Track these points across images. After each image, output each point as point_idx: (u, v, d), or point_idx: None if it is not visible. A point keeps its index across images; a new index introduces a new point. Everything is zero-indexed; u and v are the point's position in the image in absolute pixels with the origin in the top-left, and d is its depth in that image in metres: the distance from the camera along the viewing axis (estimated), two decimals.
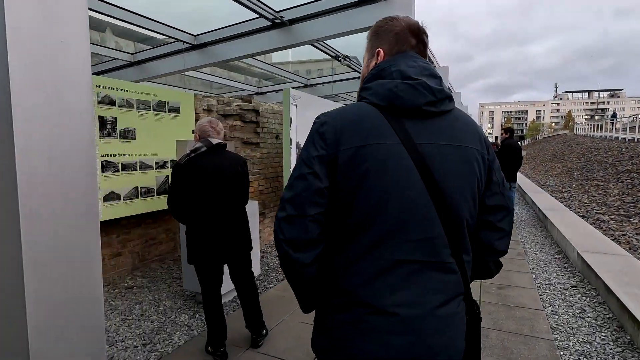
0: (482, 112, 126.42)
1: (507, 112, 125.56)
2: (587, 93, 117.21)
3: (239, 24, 4.14)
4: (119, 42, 5.86)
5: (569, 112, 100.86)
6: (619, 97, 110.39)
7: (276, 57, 8.41)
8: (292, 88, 4.48)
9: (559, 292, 3.46)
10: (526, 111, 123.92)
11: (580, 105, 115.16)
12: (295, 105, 4.33)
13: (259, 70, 6.81)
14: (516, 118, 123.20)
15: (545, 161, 21.02)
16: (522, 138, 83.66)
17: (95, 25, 5.00)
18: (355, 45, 5.46)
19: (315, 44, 4.60)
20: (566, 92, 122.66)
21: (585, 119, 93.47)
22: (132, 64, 5.15)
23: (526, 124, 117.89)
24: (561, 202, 8.12)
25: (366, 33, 1.10)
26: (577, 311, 3.06)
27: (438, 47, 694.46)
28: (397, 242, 0.87)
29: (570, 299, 3.31)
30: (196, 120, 4.65)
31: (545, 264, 4.34)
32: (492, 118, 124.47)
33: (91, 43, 5.00)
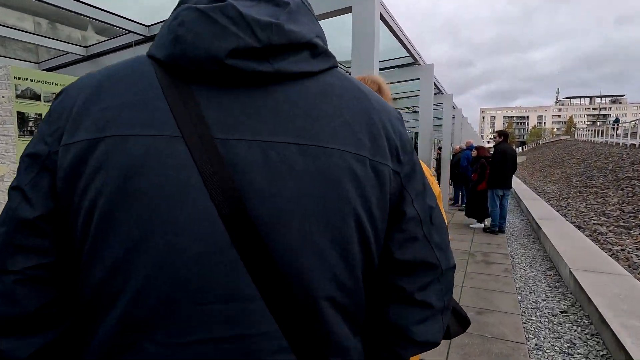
0: (484, 117, 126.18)
1: (509, 117, 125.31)
2: (588, 99, 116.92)
3: None
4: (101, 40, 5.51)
5: (571, 117, 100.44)
6: (620, 103, 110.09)
7: None
8: None
9: (546, 320, 2.99)
10: (527, 116, 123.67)
11: (582, 110, 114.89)
12: None
13: None
14: (517, 123, 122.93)
15: (545, 167, 20.55)
16: (523, 143, 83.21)
17: (76, 22, 4.63)
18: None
19: None
20: (568, 97, 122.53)
21: (587, 124, 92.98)
22: (86, 59, 4.74)
23: (527, 129, 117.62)
24: (557, 211, 7.65)
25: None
26: (565, 345, 2.60)
27: (440, 53, 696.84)
28: (164, 343, 0.43)
29: (559, 328, 2.84)
30: None
31: (534, 283, 3.87)
32: (494, 123, 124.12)
33: (44, 37, 4.60)
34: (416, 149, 6.98)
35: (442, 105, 8.96)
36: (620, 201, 7.51)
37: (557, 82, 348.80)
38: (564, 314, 3.08)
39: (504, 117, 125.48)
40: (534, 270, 4.32)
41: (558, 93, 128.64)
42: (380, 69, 6.08)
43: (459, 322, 0.76)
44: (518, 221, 7.40)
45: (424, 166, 0.96)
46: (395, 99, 8.97)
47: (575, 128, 66.75)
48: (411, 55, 5.60)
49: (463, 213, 7.43)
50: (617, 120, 28.29)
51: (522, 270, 4.31)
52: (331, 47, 0.56)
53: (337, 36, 4.25)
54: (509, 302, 3.36)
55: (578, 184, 11.08)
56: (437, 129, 12.03)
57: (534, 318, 3.03)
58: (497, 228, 6.22)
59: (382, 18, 3.96)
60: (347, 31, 3.06)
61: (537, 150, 37.95)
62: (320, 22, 0.57)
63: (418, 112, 12.39)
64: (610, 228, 5.88)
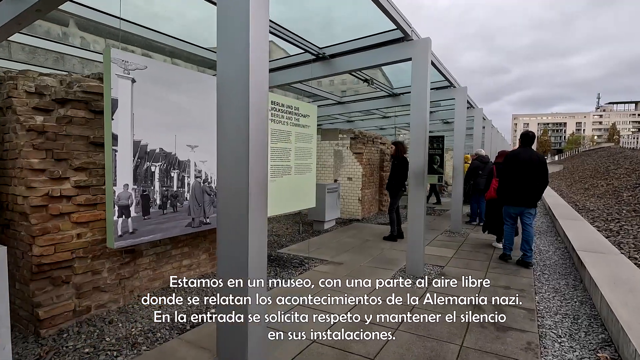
0: (516, 124, 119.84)
1: (544, 124, 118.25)
2: (634, 104, 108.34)
3: None
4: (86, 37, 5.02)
5: (613, 124, 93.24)
6: None
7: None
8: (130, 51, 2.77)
9: None
10: (565, 123, 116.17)
11: (626, 117, 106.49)
12: (129, 78, 2.61)
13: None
14: (553, 130, 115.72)
15: (585, 177, 18.02)
16: (559, 151, 77.76)
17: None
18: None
19: None
20: (610, 103, 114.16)
21: (632, 131, 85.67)
22: None
23: (565, 136, 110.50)
24: (607, 237, 5.81)
25: None
26: None
27: (473, 60, 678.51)
28: None
29: None
30: (5, 108, 3.03)
31: None
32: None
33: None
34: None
35: (454, 104, 7.34)
36: None
37: (598, 87, 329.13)
38: None
39: (538, 124, 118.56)
40: (577, 345, 2.69)
41: (599, 98, 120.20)
42: (359, 49, 4.64)
43: None
44: (552, 250, 5.62)
45: None
46: (394, 96, 7.42)
47: (618, 135, 61.39)
48: (399, 27, 4.13)
49: (479, 233, 6.01)
50: None
51: (556, 347, 2.69)
52: None
53: None
54: None
55: (631, 199, 8.99)
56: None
57: None
58: (509, 252, 5.00)
59: None
60: None
61: (576, 159, 34.55)
62: None
63: (450, 122, 10.89)
64: None
